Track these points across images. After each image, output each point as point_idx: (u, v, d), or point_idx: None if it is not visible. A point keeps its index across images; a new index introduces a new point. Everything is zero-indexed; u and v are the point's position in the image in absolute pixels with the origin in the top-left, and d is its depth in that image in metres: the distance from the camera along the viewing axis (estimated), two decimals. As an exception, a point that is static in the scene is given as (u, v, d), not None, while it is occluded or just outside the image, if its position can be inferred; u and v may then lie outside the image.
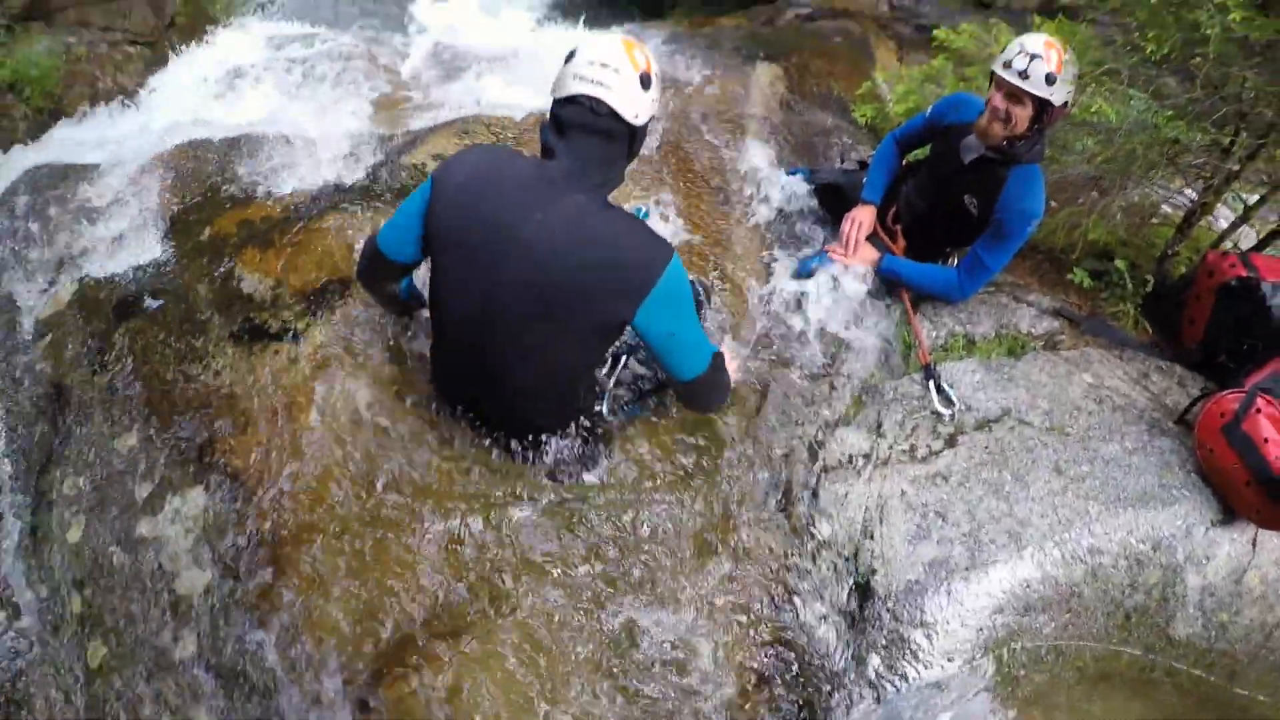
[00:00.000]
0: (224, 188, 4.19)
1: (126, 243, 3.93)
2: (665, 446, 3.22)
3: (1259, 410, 3.13)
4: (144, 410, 3.15)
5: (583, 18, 7.63)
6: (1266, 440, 3.07)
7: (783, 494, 3.24)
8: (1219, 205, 4.30)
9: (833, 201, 4.44)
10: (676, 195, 4.48)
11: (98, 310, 3.55)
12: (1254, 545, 3.24)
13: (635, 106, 2.53)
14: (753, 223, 4.47)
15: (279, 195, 4.12)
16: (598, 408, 3.12)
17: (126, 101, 5.72)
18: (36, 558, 2.95)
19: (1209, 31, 3.32)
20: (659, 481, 3.12)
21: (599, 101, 2.48)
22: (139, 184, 4.19)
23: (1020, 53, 3.36)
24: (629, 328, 2.61)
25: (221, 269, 3.60)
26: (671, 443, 3.23)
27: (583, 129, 2.52)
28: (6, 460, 3.18)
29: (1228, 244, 4.25)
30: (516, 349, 2.67)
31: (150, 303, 3.52)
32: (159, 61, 6.27)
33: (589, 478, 3.06)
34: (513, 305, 2.56)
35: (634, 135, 2.61)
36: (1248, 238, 4.41)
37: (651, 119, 2.65)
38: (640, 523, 3.00)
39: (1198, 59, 3.50)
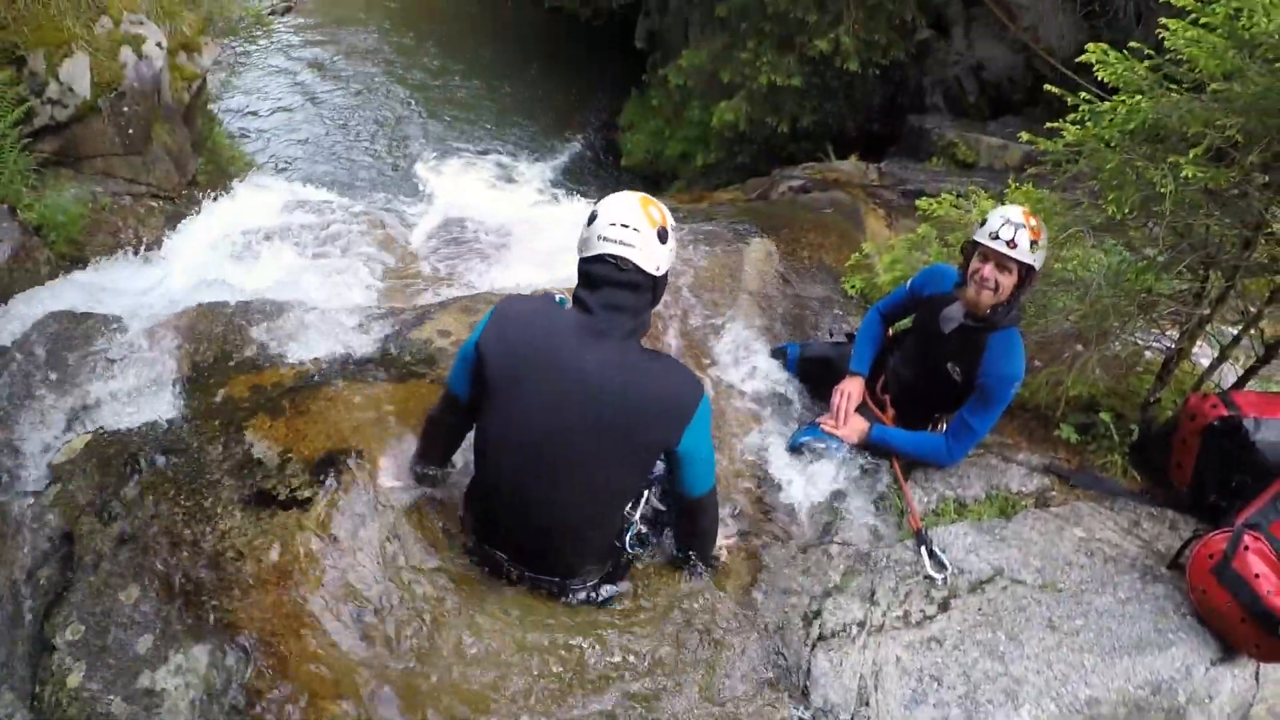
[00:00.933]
0: (237, 351, 4.30)
1: (141, 397, 4.02)
2: (659, 622, 3.27)
3: (1247, 547, 3.20)
4: (151, 564, 3.18)
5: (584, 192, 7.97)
6: (1257, 576, 3.13)
7: (777, 665, 3.27)
8: (1203, 344, 4.38)
9: (823, 374, 4.55)
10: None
11: (110, 462, 3.60)
12: (1257, 679, 3.30)
13: (656, 260, 2.86)
14: (745, 397, 4.60)
15: (290, 362, 4.23)
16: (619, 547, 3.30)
17: (147, 254, 5.88)
18: (36, 702, 2.95)
19: (1163, 190, 3.46)
20: (651, 659, 3.16)
21: (624, 259, 2.80)
22: (155, 340, 4.31)
23: (1006, 223, 3.55)
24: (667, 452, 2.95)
25: (233, 432, 3.68)
26: (667, 618, 3.29)
27: (612, 284, 2.82)
28: (11, 601, 3.21)
29: (1211, 383, 4.34)
30: (566, 475, 2.92)
31: (162, 460, 3.57)
32: (179, 217, 6.44)
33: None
34: (569, 430, 2.84)
35: (656, 284, 2.93)
36: (1232, 373, 4.47)
37: (670, 268, 2.95)
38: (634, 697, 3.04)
39: (1159, 211, 3.64)
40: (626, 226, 2.82)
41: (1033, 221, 3.59)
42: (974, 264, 3.71)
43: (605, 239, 2.82)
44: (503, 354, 2.87)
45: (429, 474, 3.46)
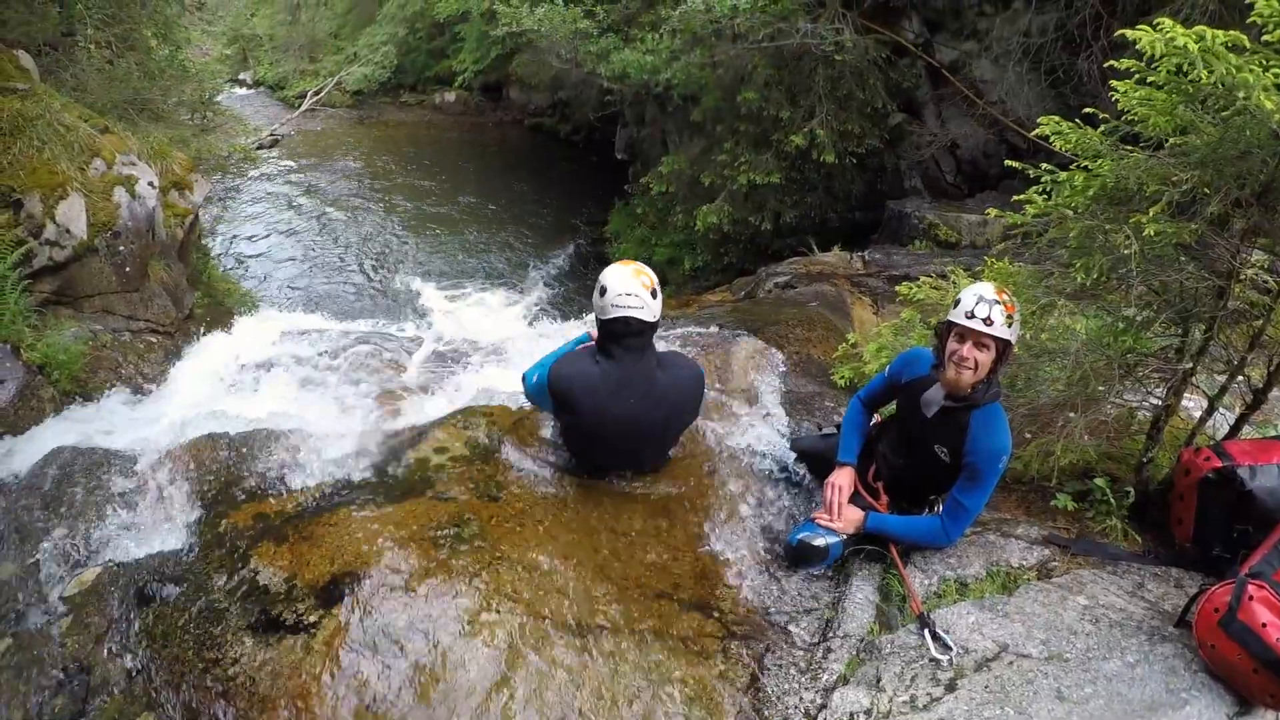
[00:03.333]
0: (240, 481, 4.35)
1: (148, 530, 4.08)
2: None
3: (1251, 597, 3.15)
4: (164, 692, 3.22)
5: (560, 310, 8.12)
6: (1265, 625, 3.08)
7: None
8: (1195, 397, 4.36)
9: (814, 467, 4.58)
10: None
11: (121, 593, 3.65)
12: (1278, 729, 3.21)
13: (653, 312, 4.09)
14: (739, 497, 4.56)
15: (291, 490, 4.29)
16: None
17: (147, 389, 6.00)
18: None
19: (1127, 251, 3.53)
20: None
21: (633, 318, 4.01)
22: (160, 472, 4.38)
23: (980, 301, 3.61)
24: None
25: (238, 560, 3.72)
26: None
27: (628, 334, 4.05)
28: None
29: (1204, 435, 4.30)
30: (640, 455, 4.53)
31: (171, 590, 3.63)
32: (178, 351, 6.61)
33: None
34: (636, 445, 4.42)
35: (655, 324, 4.15)
36: (1228, 423, 4.39)
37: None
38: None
39: (1128, 273, 3.70)
40: (630, 294, 4.00)
41: (1005, 297, 3.65)
42: (951, 344, 3.75)
43: (617, 306, 4.00)
44: (567, 404, 4.19)
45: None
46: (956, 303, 3.75)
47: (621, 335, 4.03)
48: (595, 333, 4.42)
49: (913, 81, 11.23)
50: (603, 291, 4.02)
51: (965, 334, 3.68)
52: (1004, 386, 4.04)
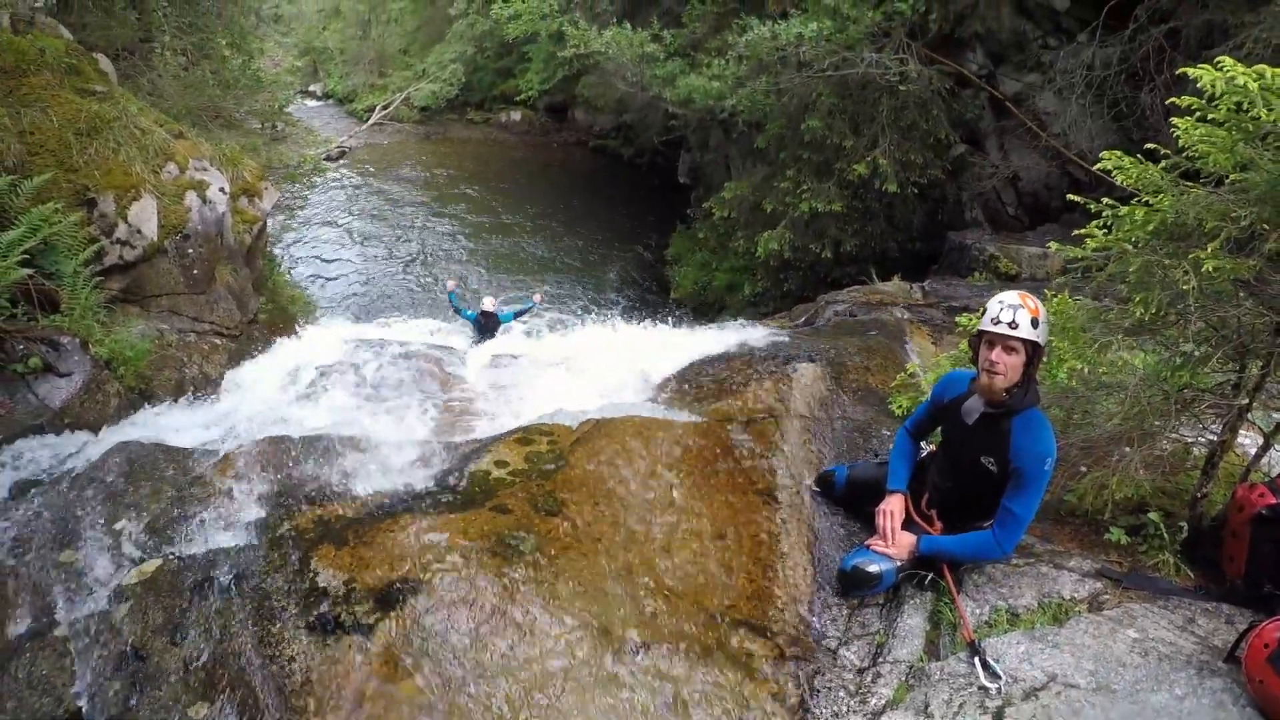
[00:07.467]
0: (302, 485, 4.43)
1: (210, 526, 4.14)
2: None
3: None
4: (219, 684, 3.28)
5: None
6: None
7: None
8: (1251, 434, 4.34)
9: (871, 495, 4.52)
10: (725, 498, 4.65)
11: (180, 586, 3.71)
12: (1325, 766, 3.14)
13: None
14: (795, 522, 4.57)
15: (353, 496, 4.36)
16: None
17: (211, 390, 6.12)
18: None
19: (1186, 287, 3.53)
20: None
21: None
22: (223, 472, 4.46)
23: (1004, 307, 3.71)
24: None
25: (298, 562, 3.78)
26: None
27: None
28: (83, 705, 3.27)
29: (1258, 471, 4.25)
30: None
31: (230, 585, 3.69)
32: (242, 354, 6.74)
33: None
34: None
35: None
36: None
37: None
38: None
39: (1186, 309, 3.69)
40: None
41: (1030, 301, 3.73)
42: (982, 352, 3.83)
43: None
44: None
45: None
46: (983, 312, 3.83)
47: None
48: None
49: (975, 113, 11.22)
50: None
51: (994, 340, 3.76)
52: (1059, 421, 4.05)
